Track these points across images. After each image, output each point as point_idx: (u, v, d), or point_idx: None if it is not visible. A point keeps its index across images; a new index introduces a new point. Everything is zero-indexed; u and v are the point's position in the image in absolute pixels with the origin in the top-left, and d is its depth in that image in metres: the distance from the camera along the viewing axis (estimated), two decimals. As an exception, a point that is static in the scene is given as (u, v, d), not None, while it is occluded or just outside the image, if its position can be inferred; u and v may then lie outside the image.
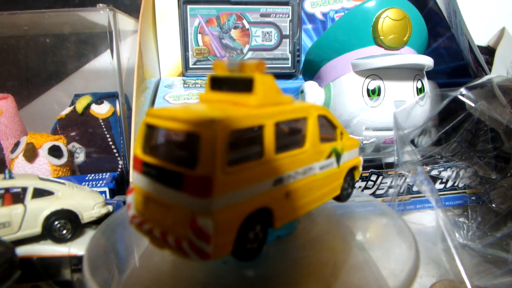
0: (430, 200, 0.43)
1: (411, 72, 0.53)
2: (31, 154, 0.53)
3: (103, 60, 0.74)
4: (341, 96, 0.55)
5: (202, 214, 0.21)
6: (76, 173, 0.60)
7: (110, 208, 0.42)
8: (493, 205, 0.53)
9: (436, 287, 0.41)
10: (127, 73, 0.64)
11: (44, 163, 0.54)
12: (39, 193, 0.38)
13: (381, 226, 0.38)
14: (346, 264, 0.30)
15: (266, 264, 0.28)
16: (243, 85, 0.25)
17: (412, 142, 0.60)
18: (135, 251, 0.33)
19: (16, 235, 0.37)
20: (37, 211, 0.37)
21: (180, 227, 0.22)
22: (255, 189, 0.23)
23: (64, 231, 0.38)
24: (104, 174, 0.54)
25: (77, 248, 0.38)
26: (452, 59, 0.63)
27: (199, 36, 0.67)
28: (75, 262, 0.37)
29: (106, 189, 0.50)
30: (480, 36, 0.69)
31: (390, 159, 0.53)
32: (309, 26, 0.71)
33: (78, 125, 0.61)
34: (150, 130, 0.25)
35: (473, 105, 0.47)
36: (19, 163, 0.53)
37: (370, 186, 0.54)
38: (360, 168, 0.36)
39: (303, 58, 0.68)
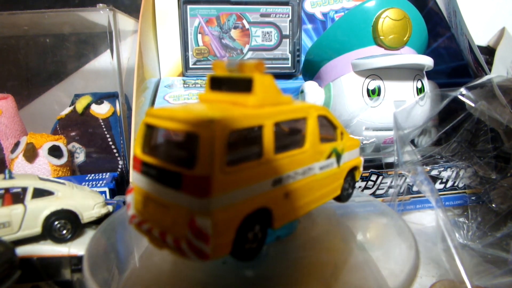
0: (430, 200, 0.43)
1: (411, 72, 0.53)
2: (31, 154, 0.53)
3: (103, 60, 0.74)
4: (341, 96, 0.54)
5: (200, 214, 0.21)
6: (76, 173, 0.60)
7: (110, 208, 0.42)
8: (493, 205, 0.53)
9: (436, 287, 0.41)
10: (127, 73, 0.64)
11: (44, 163, 0.54)
12: (39, 193, 0.38)
13: (381, 226, 0.38)
14: (346, 264, 0.30)
15: (266, 264, 0.28)
16: (242, 85, 0.25)
17: (412, 142, 0.60)
18: (135, 251, 0.33)
19: (16, 235, 0.37)
20: (37, 211, 0.37)
21: (179, 227, 0.22)
22: (254, 189, 0.23)
23: (64, 231, 0.38)
24: (104, 174, 0.54)
25: (77, 248, 0.38)
26: (452, 59, 0.63)
27: (199, 36, 0.67)
28: (75, 262, 0.37)
29: (106, 189, 0.50)
30: (480, 36, 0.69)
31: (390, 159, 0.53)
32: (309, 26, 0.71)
33: (78, 125, 0.61)
34: (150, 130, 0.25)
35: (473, 105, 0.47)
36: (19, 163, 0.53)
37: (370, 186, 0.54)
38: (361, 169, 0.36)
39: (303, 58, 0.68)
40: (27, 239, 0.37)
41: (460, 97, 0.47)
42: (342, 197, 0.34)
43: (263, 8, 0.67)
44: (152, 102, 0.61)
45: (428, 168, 0.55)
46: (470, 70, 0.60)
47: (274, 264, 0.29)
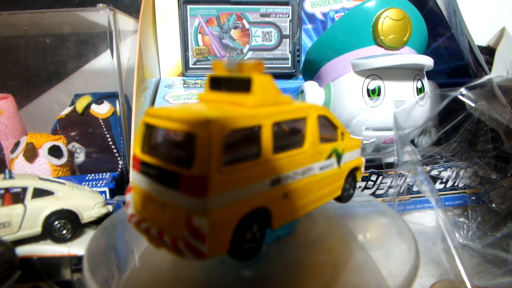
0: (430, 200, 0.43)
1: (411, 72, 0.53)
2: (31, 154, 0.53)
3: (103, 60, 0.74)
4: (341, 96, 0.54)
5: (197, 213, 0.21)
6: (76, 173, 0.60)
7: (110, 208, 0.43)
8: (493, 205, 0.53)
9: (436, 287, 0.41)
10: (127, 73, 0.64)
11: (44, 163, 0.54)
12: (39, 193, 0.38)
13: (381, 226, 0.38)
14: (346, 264, 0.30)
15: (266, 264, 0.28)
16: (241, 85, 0.25)
17: (412, 142, 0.60)
18: (135, 251, 0.33)
19: (16, 235, 0.37)
20: (37, 211, 0.37)
21: (176, 226, 0.22)
22: (252, 189, 0.23)
23: (64, 231, 0.38)
24: (104, 174, 0.54)
25: (77, 248, 0.38)
26: (452, 59, 0.63)
27: (199, 36, 0.67)
28: (75, 262, 0.37)
29: (106, 189, 0.50)
30: (480, 36, 0.69)
31: (390, 159, 0.53)
32: (309, 26, 0.71)
33: (78, 125, 0.61)
34: (149, 129, 0.25)
35: (473, 105, 0.47)
36: (19, 163, 0.53)
37: (370, 186, 0.54)
38: (362, 169, 0.36)
39: (303, 58, 0.68)
40: (27, 239, 0.37)
41: (460, 97, 0.47)
42: (343, 198, 0.34)
43: (263, 8, 0.67)
44: (152, 102, 0.61)
45: (428, 168, 0.55)
46: (470, 70, 0.60)
47: (274, 264, 0.29)
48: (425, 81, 0.55)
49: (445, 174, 0.56)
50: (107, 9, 0.59)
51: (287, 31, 0.68)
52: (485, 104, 0.46)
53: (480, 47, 0.61)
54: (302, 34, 0.69)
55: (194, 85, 0.65)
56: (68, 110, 0.62)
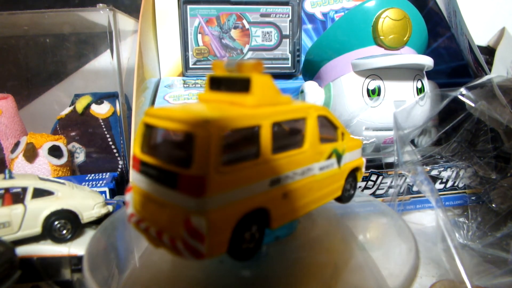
0: (430, 200, 0.43)
1: (411, 72, 0.53)
2: (31, 154, 0.53)
3: (103, 60, 0.74)
4: (341, 96, 0.54)
5: (196, 213, 0.21)
6: (76, 173, 0.60)
7: (110, 208, 0.43)
8: (493, 205, 0.53)
9: (436, 287, 0.41)
10: (127, 73, 0.64)
11: (44, 163, 0.54)
12: (39, 193, 0.38)
13: (381, 226, 0.38)
14: (346, 264, 0.30)
15: (266, 265, 0.28)
16: (241, 85, 0.25)
17: (412, 142, 0.60)
18: (135, 251, 0.33)
19: (16, 235, 0.37)
20: (37, 211, 0.37)
21: (175, 226, 0.22)
22: (251, 189, 0.23)
23: (64, 231, 0.38)
24: (104, 174, 0.54)
25: (77, 248, 0.38)
26: (452, 59, 0.63)
27: (199, 36, 0.67)
28: (75, 262, 0.37)
29: (106, 189, 0.50)
30: (480, 36, 0.69)
31: (390, 159, 0.53)
32: (309, 26, 0.71)
33: (78, 125, 0.61)
34: (148, 129, 0.25)
35: (473, 105, 0.47)
36: (19, 163, 0.53)
37: (370, 186, 0.54)
38: (363, 169, 0.36)
39: (303, 58, 0.68)
40: (27, 239, 0.37)
41: (460, 97, 0.47)
42: (344, 198, 0.33)
43: (263, 8, 0.67)
44: (152, 102, 0.61)
45: (428, 168, 0.55)
46: (470, 70, 0.60)
47: (273, 264, 0.29)
48: (425, 81, 0.55)
49: (445, 174, 0.56)
50: (107, 9, 0.59)
51: (287, 31, 0.68)
52: (485, 104, 0.46)
53: (480, 47, 0.61)
54: (302, 34, 0.69)
55: (194, 85, 0.65)
56: (68, 110, 0.62)
